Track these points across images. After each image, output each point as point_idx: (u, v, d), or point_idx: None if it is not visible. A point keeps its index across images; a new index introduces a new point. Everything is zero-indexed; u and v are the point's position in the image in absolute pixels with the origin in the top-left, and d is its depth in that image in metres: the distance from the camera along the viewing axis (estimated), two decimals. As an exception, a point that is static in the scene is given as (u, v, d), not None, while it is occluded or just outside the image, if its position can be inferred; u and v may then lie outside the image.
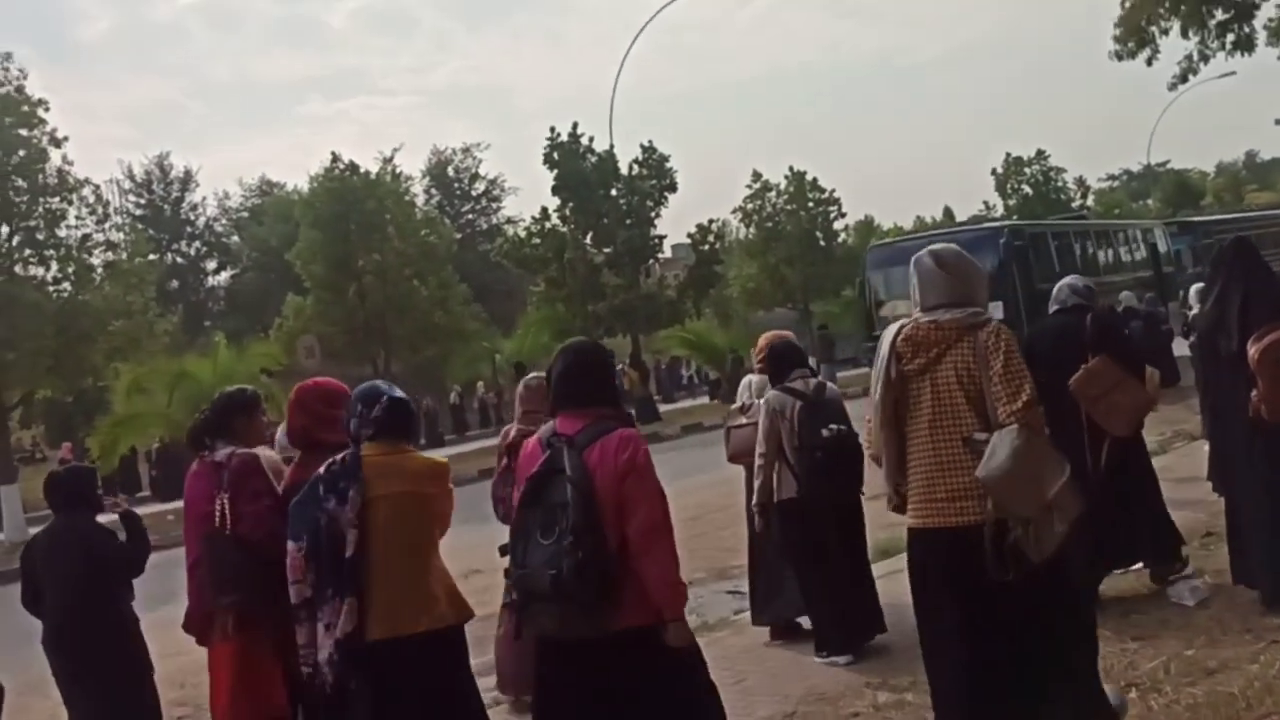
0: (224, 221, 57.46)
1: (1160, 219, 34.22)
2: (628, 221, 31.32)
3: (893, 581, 6.90)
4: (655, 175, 32.17)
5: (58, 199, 26.16)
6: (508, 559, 3.76)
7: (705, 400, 35.18)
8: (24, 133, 25.60)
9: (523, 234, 33.63)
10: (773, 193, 44.55)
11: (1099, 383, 5.66)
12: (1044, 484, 3.73)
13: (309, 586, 3.81)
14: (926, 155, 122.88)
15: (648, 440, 3.91)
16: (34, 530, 5.86)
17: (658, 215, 32.20)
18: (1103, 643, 4.55)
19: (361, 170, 37.18)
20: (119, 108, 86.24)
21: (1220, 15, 21.09)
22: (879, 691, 5.42)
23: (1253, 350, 5.12)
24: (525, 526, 3.61)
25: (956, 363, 3.86)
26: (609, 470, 3.56)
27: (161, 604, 6.78)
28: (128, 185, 53.61)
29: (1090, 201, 57.03)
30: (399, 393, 4.07)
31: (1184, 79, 22.43)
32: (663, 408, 32.48)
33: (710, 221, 33.57)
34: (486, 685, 5.29)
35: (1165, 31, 21.12)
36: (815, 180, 44.40)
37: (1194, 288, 11.53)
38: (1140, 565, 6.40)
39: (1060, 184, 53.59)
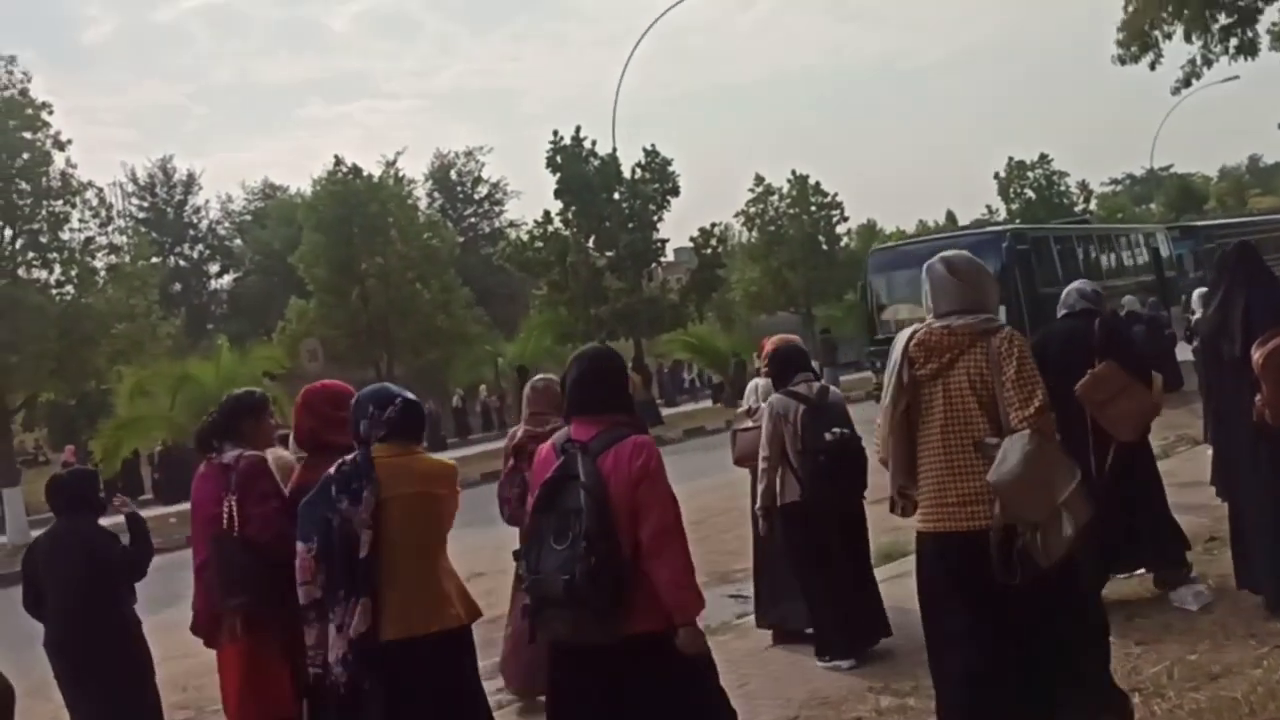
0: (227, 225, 57.54)
1: (1163, 223, 34.21)
2: (630, 225, 31.34)
3: (895, 585, 6.90)
4: (658, 179, 32.19)
5: (61, 202, 26.20)
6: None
7: (707, 404, 35.20)
8: (27, 136, 25.65)
9: (525, 237, 33.68)
10: (775, 196, 44.57)
11: (1105, 388, 5.67)
12: (1054, 489, 3.75)
13: (318, 587, 3.81)
14: (929, 159, 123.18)
15: (650, 444, 3.92)
16: (36, 533, 5.86)
17: (660, 219, 32.27)
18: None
19: (364, 173, 37.21)
20: (122, 111, 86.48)
21: (1223, 19, 21.10)
22: (881, 696, 5.42)
23: (1257, 355, 5.12)
24: (539, 532, 3.64)
25: (969, 368, 3.88)
26: (623, 476, 3.59)
27: (164, 606, 6.79)
28: (131, 188, 53.72)
29: (1093, 206, 57.06)
30: (410, 395, 4.10)
31: (1187, 83, 22.45)
32: (665, 411, 32.47)
33: (713, 225, 33.65)
34: (491, 687, 5.29)
35: (1168, 35, 21.14)
36: (818, 184, 44.45)
37: (1197, 292, 11.53)
38: (1143, 570, 6.39)
39: (1063, 188, 53.63)
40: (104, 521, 5.69)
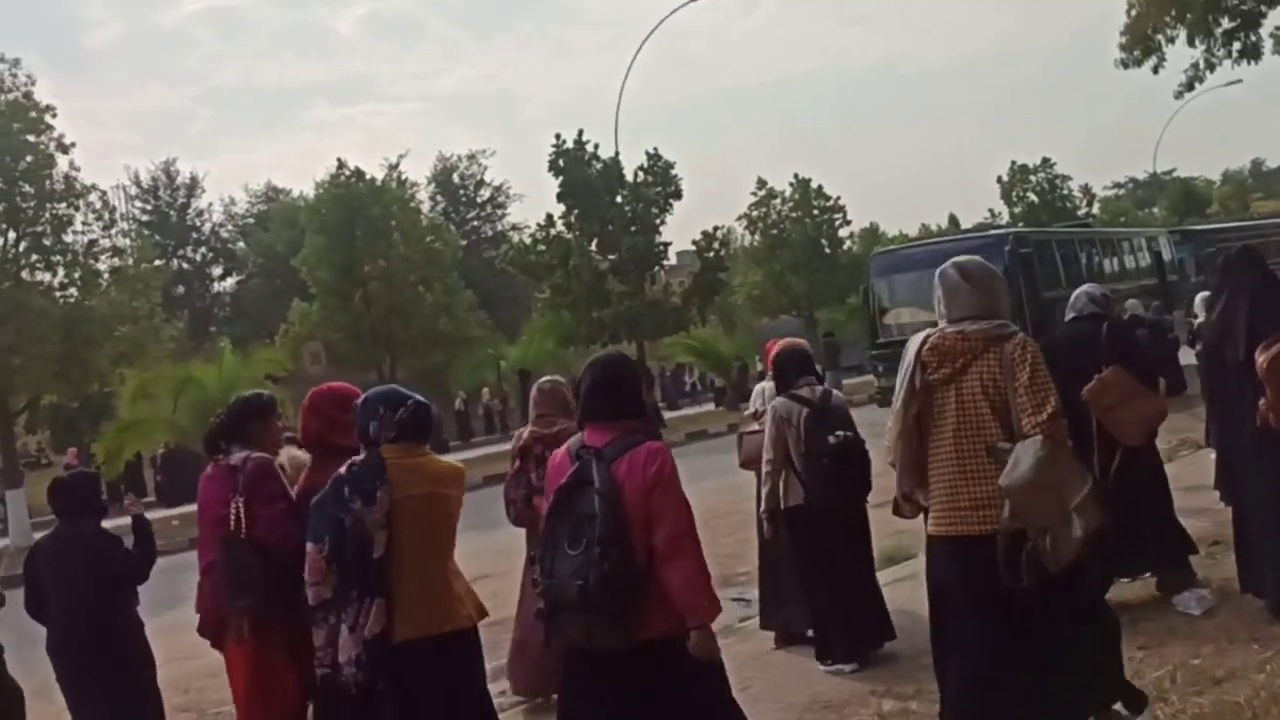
0: (230, 227, 57.59)
1: (1165, 227, 34.19)
2: (633, 228, 31.32)
3: (898, 589, 6.91)
4: (660, 182, 32.19)
5: (64, 205, 26.25)
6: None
7: (709, 407, 35.20)
8: (31, 138, 25.70)
9: (528, 241, 33.66)
10: (778, 200, 44.58)
11: (1113, 392, 5.67)
12: (1066, 495, 3.77)
13: (329, 588, 3.82)
14: (932, 163, 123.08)
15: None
16: (39, 535, 5.87)
17: (663, 222, 32.24)
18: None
19: (367, 177, 37.21)
20: (126, 113, 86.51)
21: (1227, 23, 21.06)
22: (884, 700, 5.42)
23: (1261, 359, 5.12)
24: (553, 537, 3.67)
25: (982, 373, 3.91)
26: (637, 482, 3.62)
27: (167, 609, 6.80)
28: (134, 191, 53.81)
29: (1096, 209, 57.09)
30: (420, 397, 4.12)
31: (1190, 87, 22.39)
32: (667, 414, 32.45)
33: (715, 228, 33.63)
34: (495, 689, 5.29)
35: (1171, 40, 21.10)
36: (820, 187, 44.45)
37: (1199, 296, 11.52)
38: (1148, 574, 6.38)
39: (1066, 192, 53.66)
40: (109, 522, 5.70)
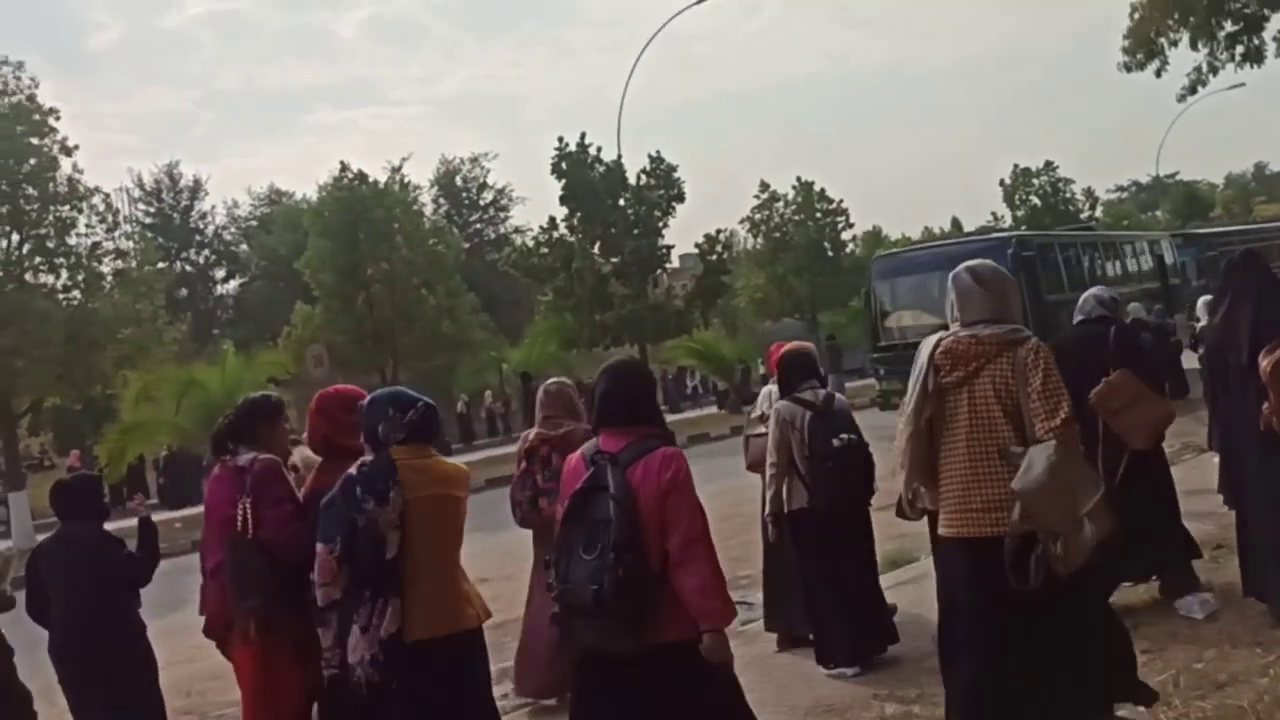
0: (233, 230, 57.67)
1: (1168, 231, 34.16)
2: (635, 231, 31.34)
3: (900, 593, 6.91)
4: (663, 185, 32.22)
5: (68, 207, 26.30)
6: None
7: (711, 410, 35.17)
8: (35, 141, 25.76)
9: (530, 243, 33.72)
10: (780, 203, 44.64)
11: (1120, 396, 5.68)
12: (1078, 499, 3.80)
13: (338, 589, 3.82)
14: (935, 166, 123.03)
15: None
16: (42, 538, 5.87)
17: (665, 225, 32.26)
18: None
19: (370, 179, 37.27)
20: (129, 116, 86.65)
21: (1229, 27, 21.06)
22: (886, 703, 5.42)
23: (1264, 363, 5.11)
24: (568, 542, 3.69)
25: (995, 377, 3.94)
26: (652, 488, 3.63)
27: (170, 611, 6.81)
28: (137, 194, 53.92)
29: (1099, 213, 57.12)
30: (428, 399, 4.15)
31: (1193, 90, 22.39)
32: (669, 417, 32.24)
33: (718, 231, 33.71)
34: (498, 692, 5.29)
35: (1174, 43, 21.11)
36: (823, 191, 44.52)
37: (1202, 300, 11.50)
38: (1152, 578, 6.37)
39: (1069, 195, 53.71)
40: (113, 524, 5.70)
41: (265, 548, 4.33)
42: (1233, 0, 20.78)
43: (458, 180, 58.59)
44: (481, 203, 59.29)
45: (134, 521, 5.82)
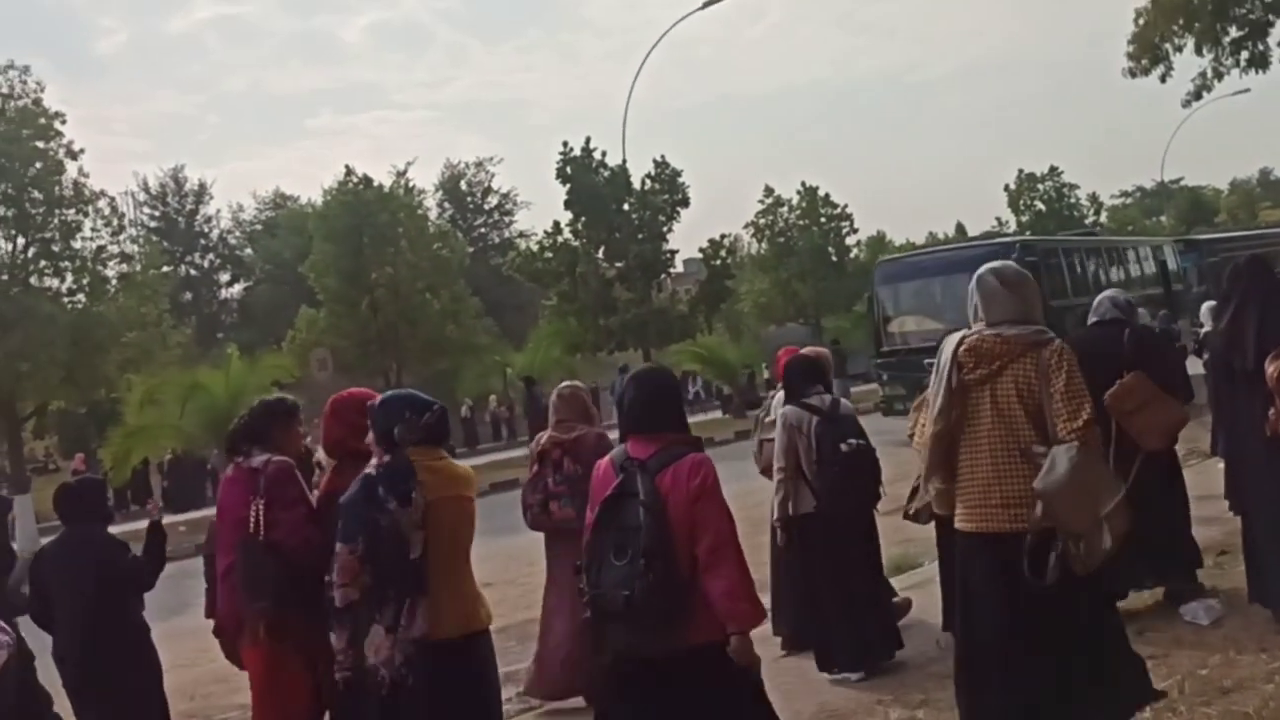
0: (237, 234, 57.75)
1: (1169, 237, 34.12)
2: (640, 236, 31.38)
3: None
4: (667, 190, 32.25)
5: (73, 211, 26.34)
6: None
7: (715, 415, 35.15)
8: (41, 145, 25.81)
9: (535, 248, 33.74)
10: (785, 208, 44.63)
11: (1134, 397, 5.68)
12: (1099, 500, 3.87)
13: (358, 589, 3.83)
14: (939, 171, 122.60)
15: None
16: (46, 541, 5.88)
17: (670, 230, 32.31)
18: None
19: (375, 184, 37.31)
20: (134, 120, 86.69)
21: (1234, 32, 21.05)
22: (890, 708, 5.42)
23: (1270, 369, 5.11)
24: (599, 547, 3.74)
25: (1018, 377, 4.01)
26: (681, 494, 3.69)
27: (173, 614, 6.81)
28: (142, 197, 54.05)
29: (1103, 218, 56.96)
30: (439, 402, 4.18)
31: (1198, 96, 22.37)
32: (674, 422, 32.29)
33: (722, 236, 33.82)
34: (505, 694, 5.30)
35: (1179, 48, 21.10)
36: (827, 196, 44.48)
37: (1206, 305, 11.47)
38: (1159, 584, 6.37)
39: (1073, 200, 53.58)
40: (119, 527, 5.70)
41: (277, 549, 4.34)
42: (1238, 6, 20.78)
43: (462, 185, 58.68)
44: (486, 207, 59.37)
45: (138, 524, 5.82)
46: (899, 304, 20.48)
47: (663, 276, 33.75)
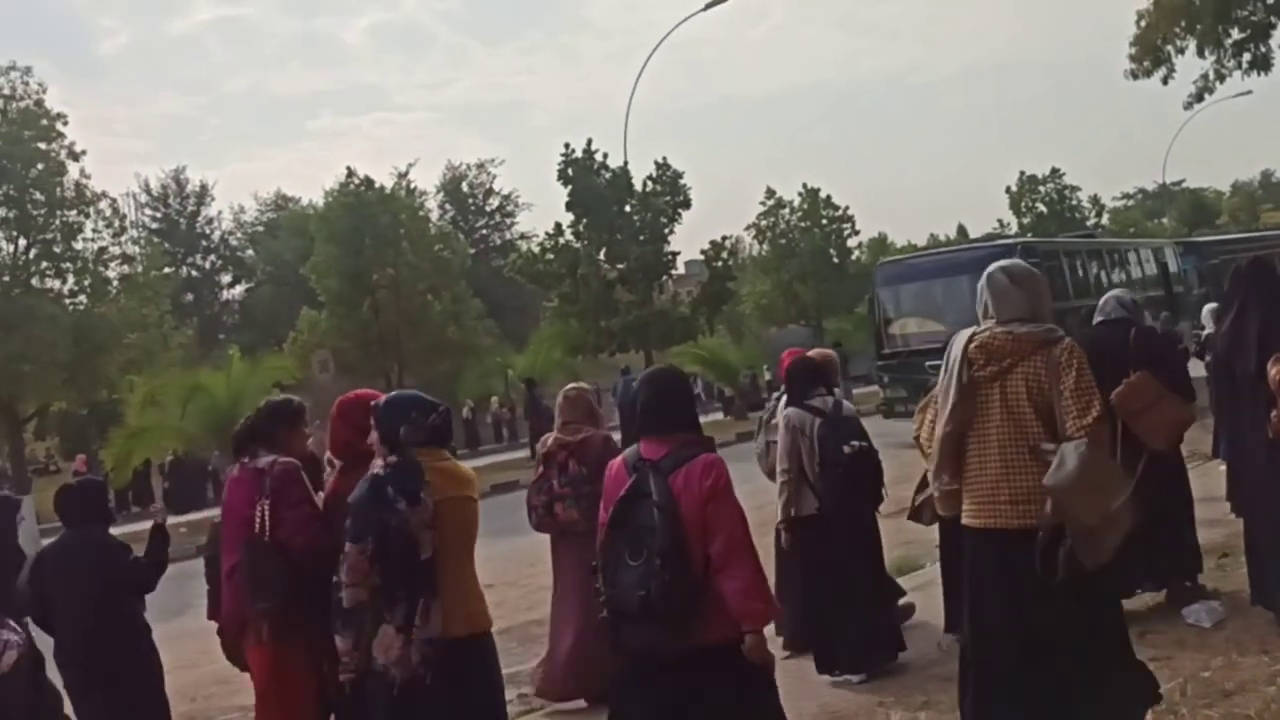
0: (239, 235, 57.79)
1: (1173, 239, 34.12)
2: (641, 238, 31.37)
3: (905, 599, 6.89)
4: (669, 191, 32.23)
5: (75, 212, 26.41)
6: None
7: (717, 416, 35.14)
8: (42, 146, 25.87)
9: (536, 249, 33.72)
10: (786, 209, 44.64)
11: (1141, 397, 5.68)
12: (1109, 496, 3.91)
13: (366, 590, 3.84)
14: (940, 173, 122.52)
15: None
16: (48, 542, 5.88)
17: (671, 231, 32.28)
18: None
19: (376, 185, 37.33)
20: (136, 122, 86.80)
21: (1236, 35, 21.07)
22: (892, 710, 5.41)
23: (1273, 371, 5.10)
24: (614, 548, 3.78)
25: (1028, 374, 4.03)
26: (693, 494, 3.73)
27: (174, 615, 6.80)
28: (144, 199, 54.11)
29: (1105, 220, 56.94)
30: (443, 403, 4.21)
31: (1200, 98, 22.41)
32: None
33: (724, 238, 33.69)
34: (509, 694, 5.30)
35: (1181, 50, 21.11)
36: (829, 197, 44.49)
37: (1207, 308, 11.46)
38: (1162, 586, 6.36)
39: (1075, 202, 53.56)
40: (121, 529, 5.69)
41: (283, 549, 4.34)
42: (1239, 8, 20.78)
43: (464, 186, 58.70)
44: (487, 209, 59.39)
45: (138, 526, 5.82)
46: (900, 306, 20.40)
47: (664, 278, 33.71)
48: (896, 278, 20.82)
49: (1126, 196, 79.14)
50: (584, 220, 31.50)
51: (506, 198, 59.24)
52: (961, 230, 58.26)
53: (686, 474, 3.76)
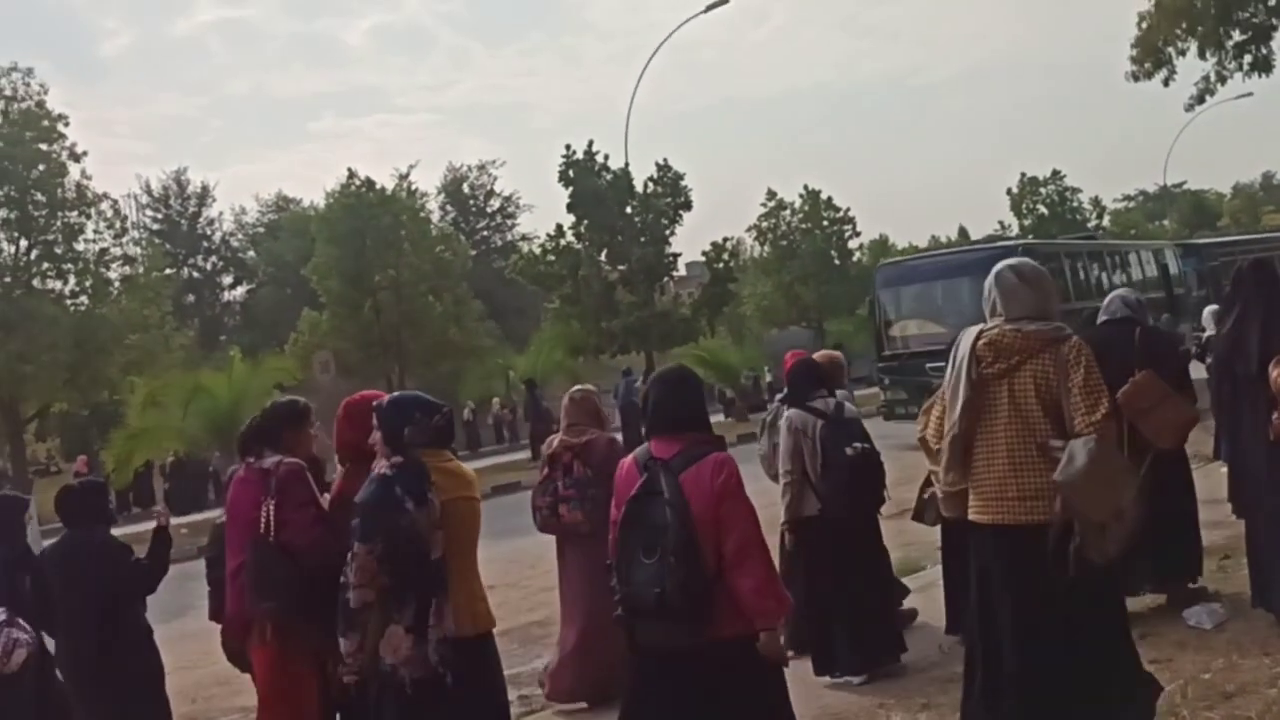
0: (240, 236, 57.84)
1: (1170, 241, 34.11)
2: (642, 239, 31.37)
3: (906, 601, 6.88)
4: (670, 193, 32.23)
5: (76, 213, 26.44)
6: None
7: (718, 418, 35.16)
8: (44, 147, 25.89)
9: (537, 251, 33.72)
10: (787, 211, 44.69)
11: (1148, 396, 5.68)
12: (1118, 492, 3.94)
13: (374, 590, 3.84)
14: (942, 174, 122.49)
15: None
16: (48, 544, 5.88)
17: (672, 233, 32.27)
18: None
19: (377, 187, 37.36)
20: (138, 123, 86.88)
21: (1238, 36, 21.04)
22: (892, 712, 5.41)
23: (1274, 373, 5.09)
24: (627, 546, 3.82)
25: (1036, 372, 4.07)
26: (705, 492, 3.76)
27: (175, 616, 6.80)
28: (145, 200, 54.15)
29: (1106, 222, 56.96)
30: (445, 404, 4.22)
31: (1201, 100, 22.38)
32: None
33: (725, 239, 33.69)
34: (513, 694, 5.30)
35: (1182, 52, 21.08)
36: (830, 199, 44.56)
37: (1208, 310, 11.45)
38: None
39: (1076, 204, 53.59)
40: (122, 530, 5.69)
41: (287, 550, 4.35)
42: (1241, 9, 20.76)
43: (465, 188, 58.73)
44: (489, 210, 59.42)
45: (141, 527, 5.82)
46: (900, 308, 20.37)
47: (665, 279, 33.71)
48: (897, 279, 20.78)
49: (1127, 198, 79.13)
50: (585, 222, 31.50)
51: (508, 199, 59.35)
52: (963, 232, 58.29)
53: (697, 472, 3.79)
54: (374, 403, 4.24)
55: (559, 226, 32.19)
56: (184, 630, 7.96)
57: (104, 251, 27.03)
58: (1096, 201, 55.87)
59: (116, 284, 27.26)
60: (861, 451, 6.00)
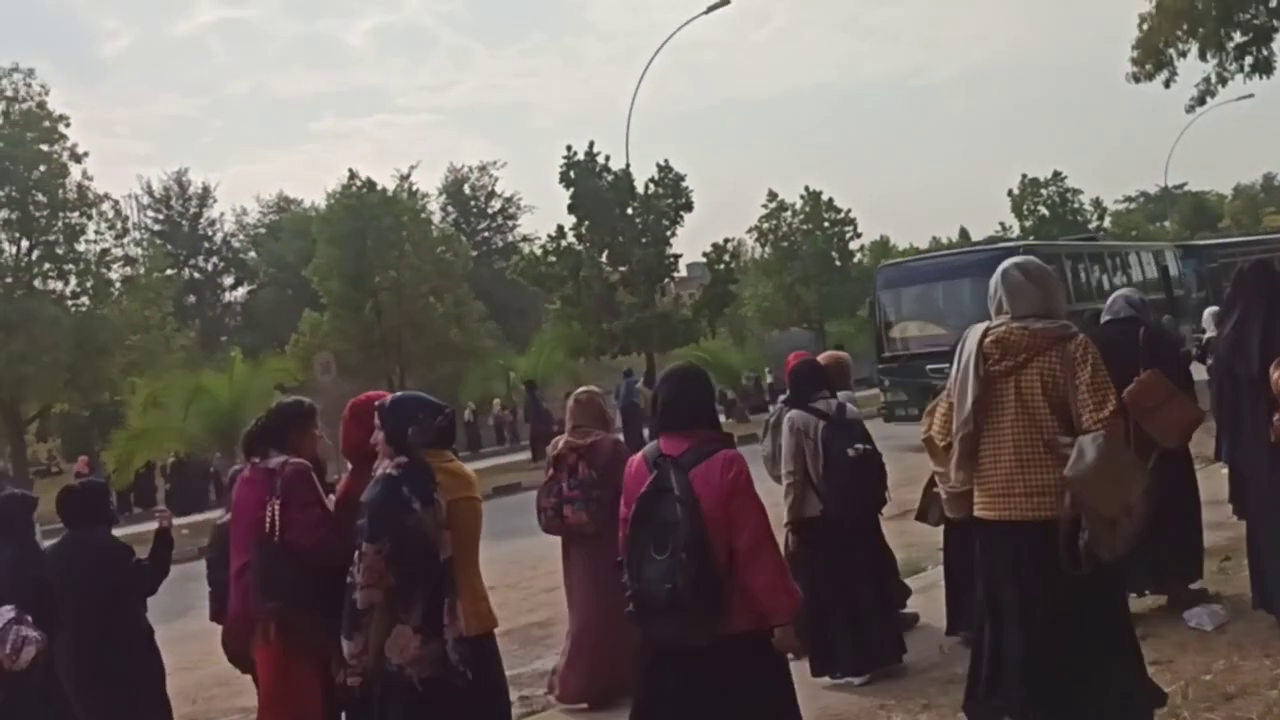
0: (241, 237, 57.88)
1: (1174, 242, 34.11)
2: (643, 240, 31.35)
3: (907, 602, 6.88)
4: (671, 194, 32.21)
5: (77, 214, 26.46)
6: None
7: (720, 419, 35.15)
8: (45, 148, 25.91)
9: (538, 252, 33.71)
10: (788, 212, 44.65)
11: (1153, 395, 5.69)
12: (1126, 487, 3.97)
13: (381, 590, 3.84)
14: (943, 175, 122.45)
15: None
16: (49, 544, 5.89)
17: (673, 234, 32.24)
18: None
19: (378, 187, 37.37)
20: (139, 123, 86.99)
21: (1238, 38, 21.03)
22: (893, 713, 5.41)
23: (1276, 375, 5.10)
24: (639, 543, 3.85)
25: (1043, 369, 4.09)
26: (714, 489, 3.79)
27: (176, 617, 6.80)
28: (146, 201, 54.21)
29: (1107, 223, 56.91)
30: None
31: (1202, 101, 22.37)
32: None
33: (726, 240, 33.64)
34: (515, 695, 5.30)
35: (1183, 54, 21.07)
36: (831, 200, 44.50)
37: (1208, 311, 11.44)
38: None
39: (1077, 205, 53.55)
40: (124, 531, 5.69)
41: (292, 550, 4.35)
42: (1242, 11, 20.76)
43: (466, 188, 58.75)
44: (489, 211, 59.44)
45: (142, 528, 5.83)
46: (901, 309, 20.33)
47: (666, 281, 33.69)
48: (897, 281, 20.74)
49: (1128, 199, 79.06)
50: (586, 222, 31.49)
51: (508, 200, 59.38)
52: (964, 233, 58.24)
53: (707, 469, 3.82)
54: (376, 403, 4.25)
55: (560, 227, 32.19)
56: (185, 631, 7.96)
57: (105, 252, 27.07)
58: (1097, 203, 55.87)
59: (117, 285, 27.28)
60: (863, 453, 6.01)
